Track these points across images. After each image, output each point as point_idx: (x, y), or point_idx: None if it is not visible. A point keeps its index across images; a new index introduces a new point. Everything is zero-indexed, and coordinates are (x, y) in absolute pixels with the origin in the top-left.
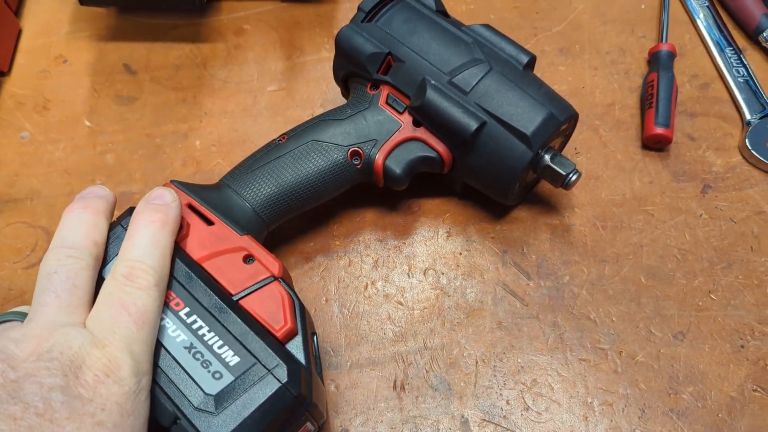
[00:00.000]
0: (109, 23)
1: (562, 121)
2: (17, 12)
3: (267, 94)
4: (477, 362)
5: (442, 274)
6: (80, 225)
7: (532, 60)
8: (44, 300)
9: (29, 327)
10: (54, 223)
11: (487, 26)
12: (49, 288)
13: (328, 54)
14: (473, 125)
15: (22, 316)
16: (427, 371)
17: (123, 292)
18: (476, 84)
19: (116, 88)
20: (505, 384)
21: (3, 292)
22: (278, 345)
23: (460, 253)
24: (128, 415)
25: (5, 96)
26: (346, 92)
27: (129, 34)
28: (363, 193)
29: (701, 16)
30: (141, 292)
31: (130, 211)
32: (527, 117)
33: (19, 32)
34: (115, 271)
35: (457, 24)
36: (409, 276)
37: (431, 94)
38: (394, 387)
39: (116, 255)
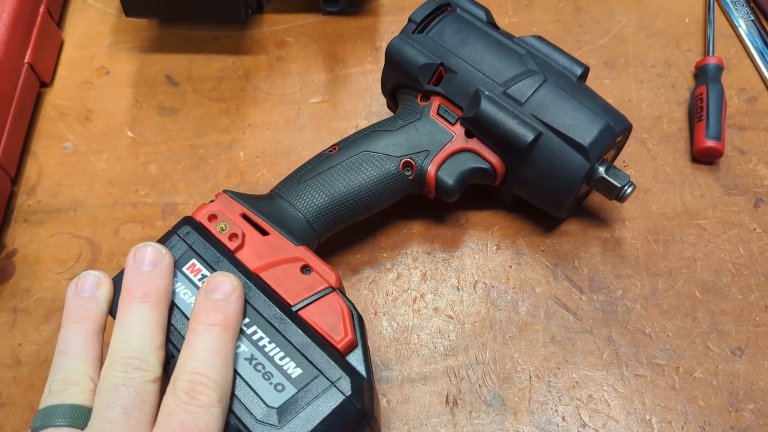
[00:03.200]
0: (151, 35)
1: (618, 132)
2: (59, 23)
3: (310, 106)
4: (531, 377)
5: (492, 287)
6: (143, 326)
7: (586, 71)
8: (112, 416)
9: None
10: (97, 233)
11: (539, 38)
12: (117, 402)
13: (371, 66)
14: (530, 136)
15: (76, 416)
16: (480, 386)
17: (184, 411)
18: (531, 95)
19: (158, 99)
20: (560, 400)
21: (47, 303)
22: (339, 357)
23: (510, 267)
24: None
25: (48, 107)
26: (393, 103)
27: (171, 45)
28: (410, 205)
29: (746, 29)
30: (203, 410)
31: (186, 220)
32: (584, 128)
33: (62, 44)
34: (175, 385)
35: (509, 35)
36: (458, 289)
37: (486, 105)
38: (447, 402)
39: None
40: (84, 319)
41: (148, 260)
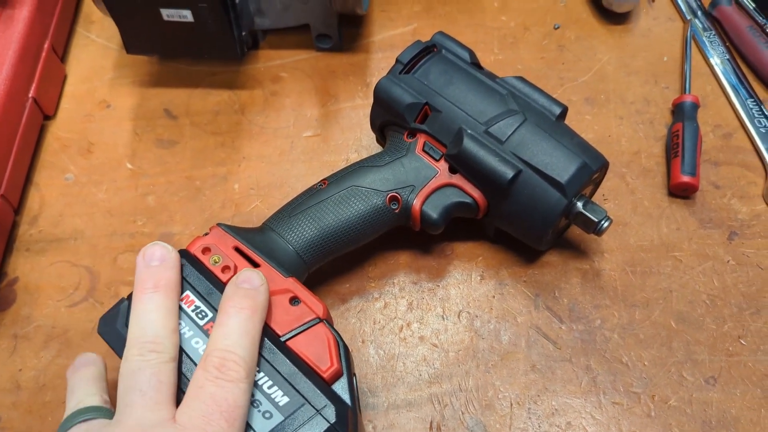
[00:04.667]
0: (151, 70)
1: (594, 170)
2: (63, 58)
3: (303, 140)
4: (512, 404)
5: (476, 316)
6: (156, 312)
7: (564, 111)
8: (130, 400)
9: (119, 428)
10: (96, 262)
11: (521, 78)
12: (135, 386)
13: (362, 102)
14: (509, 173)
15: (101, 412)
16: (462, 413)
17: (215, 384)
18: (512, 134)
19: (157, 132)
20: (539, 426)
21: (47, 330)
22: (325, 386)
23: (493, 296)
24: None
25: (51, 139)
26: (382, 139)
27: (170, 80)
28: (397, 236)
29: (722, 67)
30: (232, 385)
31: (182, 253)
32: (562, 166)
33: (65, 78)
34: (206, 361)
35: (492, 76)
36: (443, 318)
37: (468, 143)
38: (431, 428)
39: None
40: (85, 371)
41: (157, 256)
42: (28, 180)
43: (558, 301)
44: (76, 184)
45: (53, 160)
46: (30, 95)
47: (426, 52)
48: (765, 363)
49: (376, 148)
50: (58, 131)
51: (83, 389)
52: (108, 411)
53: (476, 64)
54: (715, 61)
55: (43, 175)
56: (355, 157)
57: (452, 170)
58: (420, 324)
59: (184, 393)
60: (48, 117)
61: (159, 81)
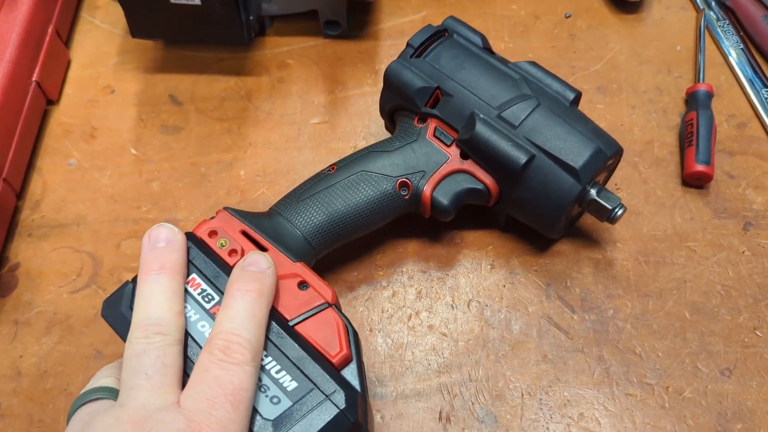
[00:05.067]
0: (156, 55)
1: (609, 156)
2: (67, 43)
3: (310, 127)
4: (523, 395)
5: (486, 306)
6: (161, 294)
7: (578, 96)
8: (135, 383)
9: (122, 411)
10: (99, 248)
11: (533, 63)
12: (140, 370)
13: (370, 89)
14: (523, 158)
15: (111, 393)
16: (472, 403)
17: (219, 367)
18: (525, 118)
19: (162, 118)
20: (551, 417)
21: (48, 316)
22: (334, 371)
23: (504, 286)
24: None
25: (54, 124)
26: (391, 125)
27: (175, 66)
28: (406, 224)
29: (736, 57)
30: (237, 368)
31: (188, 236)
32: (576, 151)
33: (69, 63)
34: (211, 344)
35: (504, 61)
36: (452, 307)
37: (480, 128)
38: (440, 419)
39: None
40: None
41: (162, 237)
42: (30, 165)
43: (570, 291)
44: (79, 170)
45: (56, 145)
46: (33, 79)
47: (437, 36)
48: None
49: (385, 136)
50: (62, 116)
51: (103, 370)
52: (118, 392)
53: (488, 49)
54: (729, 50)
55: (46, 161)
56: (363, 145)
57: (464, 156)
58: (429, 313)
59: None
60: (51, 102)
61: (164, 67)
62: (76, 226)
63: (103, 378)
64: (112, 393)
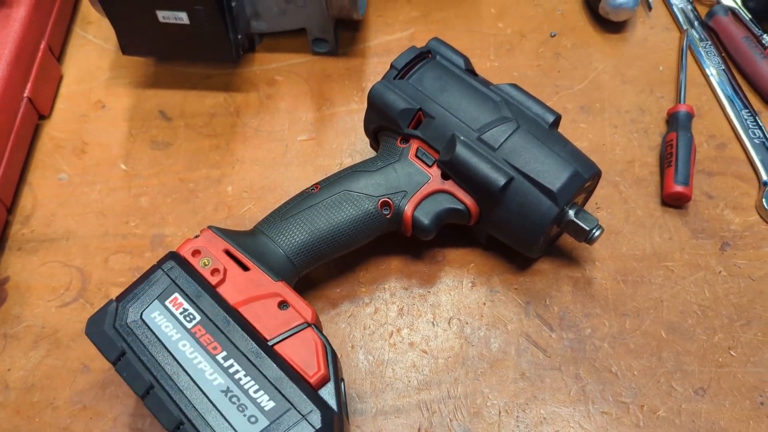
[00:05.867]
0: (147, 71)
1: (587, 178)
2: (59, 58)
3: (297, 143)
4: (500, 412)
5: (467, 323)
6: None
7: (558, 119)
8: None
9: None
10: (88, 263)
11: (515, 86)
12: None
13: (357, 106)
14: (501, 180)
15: None
16: (450, 420)
17: None
18: (504, 141)
19: (152, 133)
20: None
21: (37, 330)
22: (311, 391)
23: (484, 304)
24: None
25: (45, 139)
26: (375, 144)
27: (166, 82)
28: (389, 241)
29: (717, 78)
30: None
31: (171, 255)
32: (554, 174)
33: (61, 78)
34: None
35: (486, 83)
36: (433, 325)
37: (461, 150)
38: None
39: (156, 298)
40: None
41: None
42: (21, 179)
43: (549, 309)
44: (69, 184)
45: (47, 159)
46: (25, 95)
47: (421, 57)
48: (754, 374)
49: (371, 153)
50: (53, 131)
51: None
52: None
53: (471, 71)
54: (711, 71)
55: (36, 175)
56: (349, 162)
57: (444, 176)
58: (410, 330)
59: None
60: (43, 117)
61: (155, 82)
62: (66, 240)
63: None
64: None
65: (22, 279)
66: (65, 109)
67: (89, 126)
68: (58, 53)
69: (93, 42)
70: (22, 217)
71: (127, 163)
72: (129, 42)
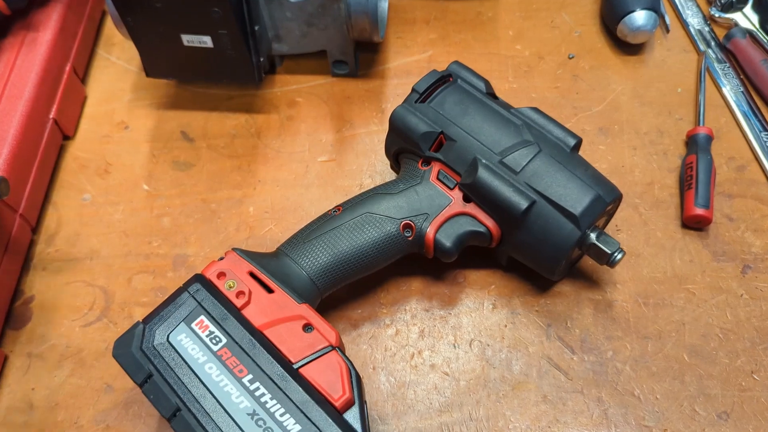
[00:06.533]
0: (169, 92)
1: (608, 202)
2: (84, 80)
3: (318, 165)
4: None
5: (488, 345)
6: None
7: (579, 143)
8: None
9: None
10: (111, 282)
11: (535, 109)
12: None
13: (377, 128)
14: (524, 204)
15: None
16: None
17: None
18: (526, 164)
19: (174, 154)
20: None
21: (61, 349)
22: (337, 415)
23: (505, 326)
24: None
25: (69, 159)
26: (396, 166)
27: (187, 103)
28: (409, 263)
29: (736, 100)
30: None
31: (197, 278)
32: (576, 198)
33: (85, 99)
34: None
35: (506, 106)
36: (454, 347)
37: (483, 173)
38: None
39: (182, 321)
40: None
41: None
42: (46, 199)
43: (570, 332)
44: (93, 204)
45: (71, 180)
46: (51, 117)
47: (442, 81)
48: None
49: (390, 174)
50: (77, 151)
51: None
52: None
53: (492, 94)
54: (729, 93)
55: (61, 195)
56: (369, 183)
57: (466, 199)
58: (431, 352)
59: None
60: (67, 137)
61: (177, 104)
62: (89, 260)
63: None
64: None
65: (47, 298)
66: (89, 129)
67: (112, 147)
68: (82, 75)
69: (116, 63)
70: (46, 237)
71: (149, 184)
72: (153, 64)
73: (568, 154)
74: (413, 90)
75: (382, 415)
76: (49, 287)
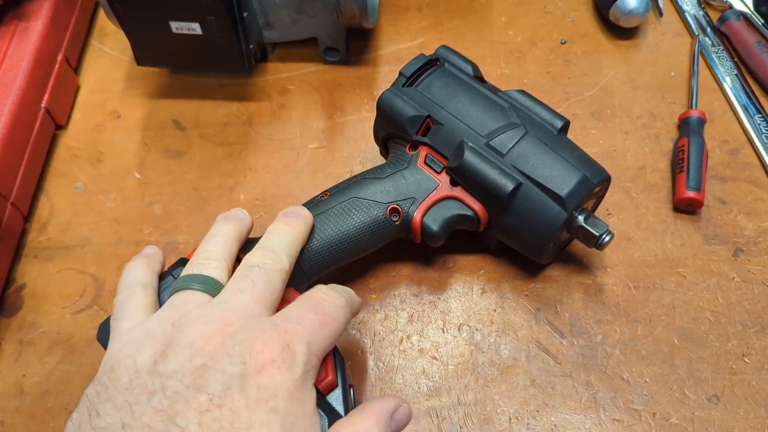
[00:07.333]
0: (161, 81)
1: (595, 183)
2: (76, 69)
3: (309, 152)
4: (510, 419)
5: (477, 330)
6: (283, 237)
7: (566, 124)
8: (242, 286)
9: (220, 308)
10: (102, 270)
11: (523, 92)
12: (249, 276)
13: (368, 114)
14: (510, 186)
15: (214, 288)
16: (460, 427)
17: (318, 297)
18: (512, 147)
19: (166, 142)
20: None
21: (52, 336)
22: (319, 397)
23: (494, 310)
24: (298, 402)
25: (62, 148)
26: (385, 151)
27: (179, 92)
28: (399, 248)
29: (730, 83)
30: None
31: (181, 261)
32: (562, 179)
33: (78, 88)
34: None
35: (494, 89)
36: (443, 331)
37: (469, 156)
38: None
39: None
40: (232, 226)
41: (298, 212)
42: (38, 188)
43: (559, 316)
44: (85, 193)
45: (64, 168)
46: (42, 106)
47: (429, 65)
48: None
49: (381, 161)
50: (70, 141)
51: (218, 245)
52: (217, 287)
53: (479, 78)
54: (723, 76)
55: (53, 184)
56: (359, 170)
57: (453, 183)
58: (420, 336)
59: None
60: (60, 127)
61: (169, 92)
62: (81, 248)
63: (213, 261)
64: (213, 286)
65: (38, 286)
66: (81, 119)
67: (105, 136)
68: (75, 64)
69: (109, 53)
70: (38, 225)
71: (141, 172)
72: (143, 53)
73: (555, 136)
74: (400, 74)
75: (370, 399)
76: (40, 275)
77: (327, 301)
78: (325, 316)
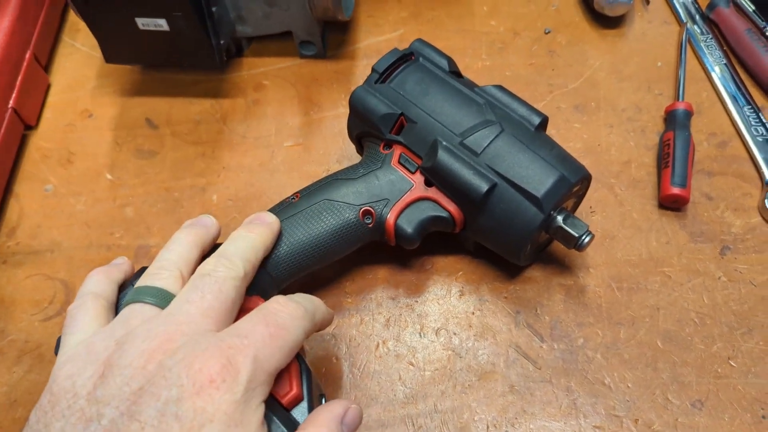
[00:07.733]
0: (134, 79)
1: (573, 182)
2: (47, 66)
3: (284, 150)
4: (488, 427)
5: (455, 334)
6: (241, 242)
7: (544, 121)
8: (190, 297)
9: (165, 323)
10: (72, 275)
11: (500, 87)
12: (199, 286)
13: (345, 110)
14: (484, 187)
15: (165, 300)
16: None
17: (272, 308)
18: (487, 145)
19: (138, 142)
20: None
21: (20, 344)
22: (283, 411)
23: (473, 313)
24: (236, 425)
25: (32, 149)
26: (360, 150)
27: (152, 89)
28: (376, 251)
29: (718, 73)
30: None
31: (142, 270)
32: (538, 179)
33: (48, 87)
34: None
35: (470, 85)
36: (420, 336)
37: (442, 155)
38: None
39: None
40: (193, 233)
41: (264, 219)
42: (7, 190)
43: (540, 319)
44: (55, 195)
45: (34, 170)
46: (10, 106)
47: (403, 60)
48: (756, 386)
49: (358, 159)
50: (40, 141)
51: (175, 253)
52: (169, 298)
53: (455, 73)
54: (712, 66)
55: (23, 186)
56: (336, 168)
57: (428, 183)
58: (396, 341)
59: None
60: (29, 127)
61: (141, 90)
62: (51, 252)
63: (166, 271)
64: (162, 297)
65: (7, 293)
66: (52, 118)
67: (76, 135)
68: (45, 62)
69: (81, 50)
70: (7, 230)
71: (112, 173)
72: (111, 50)
73: (533, 133)
74: (373, 70)
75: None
76: (9, 281)
77: (281, 311)
78: (278, 327)
